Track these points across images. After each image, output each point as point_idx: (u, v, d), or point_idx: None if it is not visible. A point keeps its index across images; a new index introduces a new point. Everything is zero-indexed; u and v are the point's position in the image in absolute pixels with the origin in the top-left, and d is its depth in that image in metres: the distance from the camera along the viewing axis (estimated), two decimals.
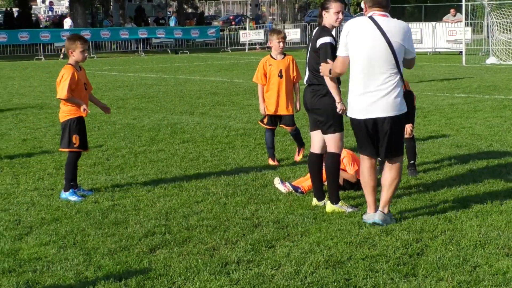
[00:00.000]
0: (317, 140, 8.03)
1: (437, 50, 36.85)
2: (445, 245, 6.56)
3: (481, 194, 8.38)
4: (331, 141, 7.80)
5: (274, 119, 10.49)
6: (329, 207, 7.79)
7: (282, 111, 10.40)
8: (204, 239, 6.86)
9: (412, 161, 9.60)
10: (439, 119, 14.20)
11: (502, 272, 5.85)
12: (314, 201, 8.06)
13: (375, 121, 7.20)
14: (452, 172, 9.51)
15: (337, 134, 7.79)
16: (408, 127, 9.41)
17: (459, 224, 7.21)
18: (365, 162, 7.42)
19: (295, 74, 10.40)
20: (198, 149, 11.53)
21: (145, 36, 41.03)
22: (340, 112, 7.64)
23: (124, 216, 7.74)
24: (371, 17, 7.18)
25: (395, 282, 5.70)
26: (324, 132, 7.84)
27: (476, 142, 11.68)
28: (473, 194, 8.39)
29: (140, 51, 40.16)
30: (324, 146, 8.01)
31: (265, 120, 10.55)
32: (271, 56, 10.46)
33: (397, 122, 7.23)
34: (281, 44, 10.30)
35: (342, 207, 7.76)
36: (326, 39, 7.65)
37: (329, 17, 7.82)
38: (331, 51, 7.61)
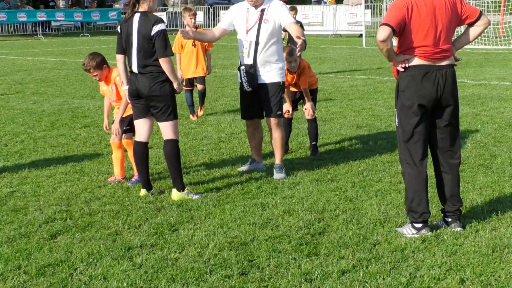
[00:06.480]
0: (144, 129, 7.83)
1: (338, 32, 37.37)
2: (346, 224, 6.68)
3: (381, 173, 8.56)
4: (170, 128, 7.66)
5: (191, 81, 13.00)
6: (176, 195, 7.63)
7: (196, 73, 12.91)
8: (106, 224, 6.78)
9: (314, 142, 9.72)
10: (340, 101, 14.42)
11: (400, 249, 6.00)
12: (143, 192, 7.82)
13: None
14: (353, 153, 9.69)
15: (175, 121, 7.70)
16: (310, 108, 9.55)
17: (359, 203, 7.35)
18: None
19: (206, 43, 12.46)
20: (100, 133, 11.36)
21: (44, 19, 40.03)
22: (178, 91, 7.63)
23: (23, 202, 7.56)
24: None
25: (297, 261, 5.76)
26: (163, 120, 7.63)
27: (376, 122, 11.92)
28: (373, 173, 8.57)
29: (39, 34, 39.21)
30: (150, 135, 7.93)
31: (184, 83, 12.68)
32: None
33: None
34: (193, 20, 12.43)
35: (188, 194, 7.66)
36: (162, 26, 7.47)
37: (154, 2, 7.68)
38: (166, 37, 7.50)
